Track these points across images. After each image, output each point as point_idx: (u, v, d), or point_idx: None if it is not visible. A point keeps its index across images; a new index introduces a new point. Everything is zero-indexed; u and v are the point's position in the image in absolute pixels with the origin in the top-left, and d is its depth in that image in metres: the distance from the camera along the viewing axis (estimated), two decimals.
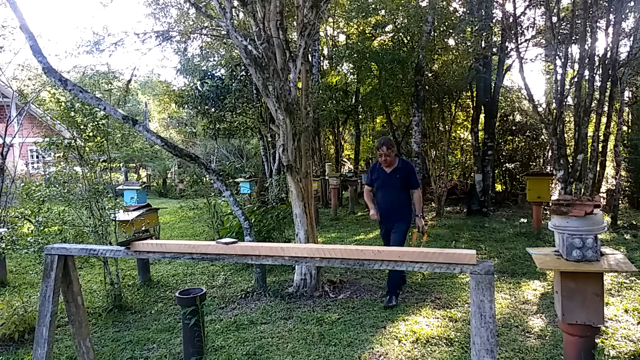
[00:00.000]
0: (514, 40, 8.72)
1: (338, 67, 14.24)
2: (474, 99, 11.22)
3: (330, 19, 14.04)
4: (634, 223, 8.30)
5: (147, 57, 21.16)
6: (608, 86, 7.46)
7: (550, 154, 10.96)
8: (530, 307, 4.24)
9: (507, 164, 13.45)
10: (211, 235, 7.97)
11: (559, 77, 6.49)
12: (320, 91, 10.30)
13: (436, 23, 9.39)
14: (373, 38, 12.77)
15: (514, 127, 13.38)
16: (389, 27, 12.26)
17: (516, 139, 13.28)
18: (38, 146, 4.86)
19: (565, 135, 7.79)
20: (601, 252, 2.41)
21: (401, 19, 11.02)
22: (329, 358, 3.28)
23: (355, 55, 11.47)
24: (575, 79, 6.38)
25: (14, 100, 8.35)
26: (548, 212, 6.93)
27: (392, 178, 4.44)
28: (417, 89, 9.35)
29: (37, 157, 15.56)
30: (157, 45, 9.17)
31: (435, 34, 9.65)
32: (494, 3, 9.66)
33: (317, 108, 9.76)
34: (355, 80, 14.62)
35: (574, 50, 7.51)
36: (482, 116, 11.12)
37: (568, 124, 11.03)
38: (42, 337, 1.94)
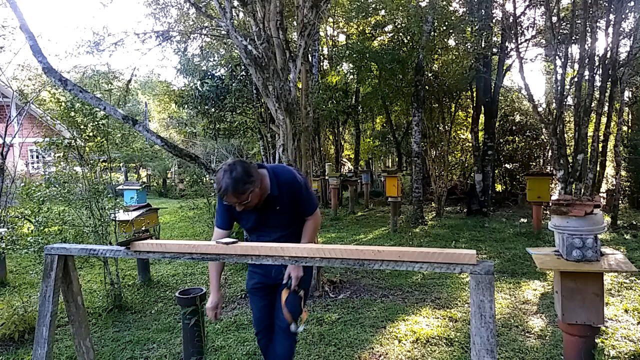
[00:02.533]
0: (514, 40, 8.73)
1: (338, 67, 14.25)
2: (474, 99, 11.23)
3: (330, 19, 14.04)
4: (634, 223, 8.30)
5: (147, 57, 21.21)
6: (608, 86, 7.46)
7: (550, 154, 10.96)
8: (530, 307, 4.24)
9: (507, 164, 13.46)
10: (211, 235, 7.97)
11: (559, 77, 6.49)
12: (320, 91, 10.29)
13: (436, 23, 9.39)
14: (373, 38, 12.78)
15: (514, 127, 13.39)
16: (389, 27, 12.28)
17: (516, 139, 13.29)
18: (38, 146, 4.85)
19: (565, 135, 7.79)
20: (601, 252, 2.41)
21: (401, 19, 11.03)
22: (329, 358, 3.28)
23: (355, 55, 11.48)
24: (575, 79, 6.39)
25: (14, 100, 8.35)
26: (548, 212, 6.93)
27: (269, 214, 2.35)
28: (417, 89, 9.36)
29: (37, 157, 15.56)
30: (157, 45, 9.18)
31: (435, 34, 9.66)
32: (494, 3, 9.66)
33: (317, 108, 9.75)
34: (355, 80, 14.63)
35: (574, 50, 7.53)
36: (482, 116, 11.13)
37: (568, 124, 11.04)
38: (42, 337, 1.94)
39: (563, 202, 2.40)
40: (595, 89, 6.77)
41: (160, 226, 7.16)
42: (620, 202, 9.53)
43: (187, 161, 4.74)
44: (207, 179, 8.44)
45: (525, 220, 9.14)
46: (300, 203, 2.39)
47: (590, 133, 7.16)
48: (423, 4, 10.16)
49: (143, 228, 5.46)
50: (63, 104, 4.59)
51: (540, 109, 7.84)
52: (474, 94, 11.17)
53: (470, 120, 11.71)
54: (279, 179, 2.31)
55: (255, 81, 5.01)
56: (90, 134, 4.72)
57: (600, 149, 8.88)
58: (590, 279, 2.34)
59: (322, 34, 13.95)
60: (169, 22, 9.96)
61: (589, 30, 6.23)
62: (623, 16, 7.25)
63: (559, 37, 7.12)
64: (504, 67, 10.82)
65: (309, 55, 8.72)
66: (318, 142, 13.33)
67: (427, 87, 10.11)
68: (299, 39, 4.67)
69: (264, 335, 2.59)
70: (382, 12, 11.64)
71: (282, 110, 4.50)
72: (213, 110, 9.34)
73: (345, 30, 15.08)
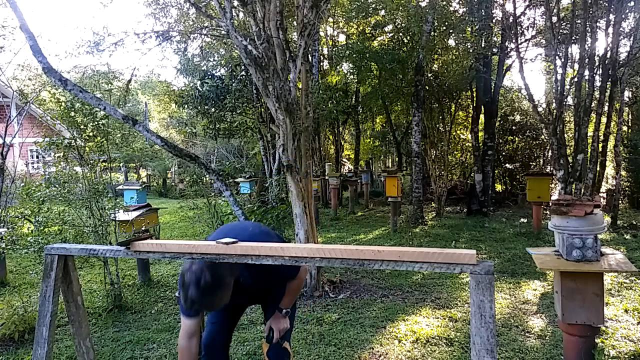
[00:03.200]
0: (514, 40, 8.73)
1: (338, 67, 14.25)
2: (474, 99, 11.23)
3: (330, 19, 14.04)
4: (634, 223, 8.29)
5: (147, 57, 21.19)
6: (608, 86, 7.46)
7: (550, 154, 10.96)
8: (530, 307, 4.23)
9: (507, 164, 13.46)
10: (209, 234, 7.96)
11: (559, 77, 6.49)
12: (320, 91, 10.29)
13: (436, 23, 9.40)
14: (373, 38, 12.78)
15: (514, 127, 13.39)
16: (389, 27, 12.28)
17: (516, 139, 13.29)
18: (38, 146, 4.86)
19: (565, 135, 7.79)
20: (601, 252, 2.41)
21: (401, 19, 11.02)
22: (329, 358, 3.28)
23: (355, 55, 11.48)
24: (575, 79, 6.39)
25: (14, 100, 8.35)
26: (548, 212, 6.93)
27: (246, 299, 2.27)
28: (417, 89, 9.36)
29: (37, 157, 15.56)
30: (157, 45, 9.17)
31: (435, 34, 9.67)
32: (494, 3, 9.66)
33: (317, 108, 9.75)
34: (355, 80, 14.62)
35: (574, 50, 7.52)
36: (482, 116, 11.13)
37: (568, 124, 11.03)
38: (42, 337, 1.94)
39: (563, 202, 2.40)
40: (595, 89, 6.77)
41: (160, 226, 7.15)
42: (620, 202, 9.53)
43: (187, 161, 4.74)
44: (207, 179, 8.44)
45: (525, 220, 9.14)
46: (283, 275, 2.10)
47: (590, 133, 7.16)
48: (423, 4, 10.15)
49: (143, 228, 5.46)
50: (63, 104, 4.59)
51: (540, 109, 7.83)
52: (474, 94, 11.18)
53: (470, 120, 11.71)
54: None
55: (255, 81, 5.01)
56: (90, 134, 4.73)
57: (600, 149, 8.87)
58: (590, 279, 2.34)
59: (322, 34, 13.95)
60: (169, 22, 9.96)
61: (589, 30, 6.22)
62: (623, 16, 7.25)
63: (559, 37, 7.12)
64: (504, 67, 10.82)
65: (309, 55, 8.70)
66: (318, 142, 13.33)
67: (427, 87, 10.11)
68: (299, 39, 4.67)
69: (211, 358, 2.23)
70: (382, 12, 11.63)
71: (282, 110, 4.49)
72: (213, 110, 9.34)
73: (345, 30, 15.07)
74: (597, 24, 7.11)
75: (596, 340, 2.60)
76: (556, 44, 6.52)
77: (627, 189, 11.09)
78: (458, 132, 13.00)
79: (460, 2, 10.83)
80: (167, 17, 9.95)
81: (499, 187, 13.57)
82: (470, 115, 11.72)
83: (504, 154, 13.29)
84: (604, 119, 8.92)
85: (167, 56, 37.66)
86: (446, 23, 9.63)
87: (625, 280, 4.77)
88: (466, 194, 11.63)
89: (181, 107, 10.69)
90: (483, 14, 9.58)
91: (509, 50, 10.40)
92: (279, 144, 4.75)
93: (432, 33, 9.34)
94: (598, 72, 6.79)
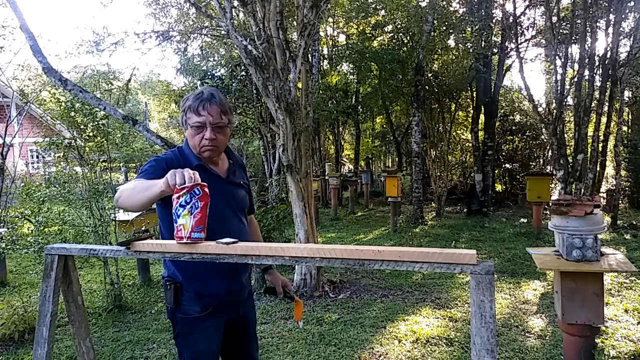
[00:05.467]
0: (514, 40, 8.73)
1: (338, 67, 14.24)
2: (474, 99, 11.24)
3: (330, 19, 14.04)
4: (634, 223, 8.29)
5: (147, 57, 21.19)
6: (608, 86, 7.46)
7: (550, 154, 10.96)
8: (530, 307, 4.24)
9: (507, 164, 13.46)
10: None
11: (559, 77, 6.49)
12: (320, 91, 10.29)
13: (436, 23, 9.40)
14: (373, 38, 12.78)
15: (514, 127, 13.40)
16: (389, 27, 12.28)
17: (516, 139, 13.30)
18: (38, 146, 4.86)
19: (565, 135, 7.79)
20: (601, 252, 2.41)
21: (401, 19, 11.03)
22: (329, 358, 3.28)
23: (355, 55, 11.48)
24: (575, 79, 6.39)
25: (14, 100, 8.35)
26: (548, 212, 6.93)
27: (235, 185, 1.89)
28: (417, 89, 9.36)
29: (37, 157, 15.56)
30: (157, 45, 9.17)
31: (435, 34, 9.66)
32: (494, 3, 9.66)
33: (317, 108, 9.75)
34: (355, 80, 14.63)
35: (574, 50, 7.53)
36: (482, 116, 11.13)
37: (568, 124, 11.03)
38: (42, 337, 1.94)
39: (563, 202, 2.40)
40: (595, 89, 6.77)
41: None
42: (620, 202, 9.53)
43: None
44: None
45: (525, 220, 9.13)
46: (249, 191, 2.01)
47: (590, 133, 7.16)
48: (423, 4, 10.15)
49: (143, 228, 5.46)
50: (63, 104, 4.60)
51: (540, 109, 7.84)
52: (474, 94, 11.18)
53: (470, 120, 11.71)
54: (229, 148, 1.94)
55: (255, 81, 5.01)
56: (90, 134, 4.73)
57: (600, 149, 8.87)
58: (590, 279, 2.34)
59: (322, 34, 13.95)
60: (169, 22, 9.96)
61: (589, 30, 6.23)
62: (623, 16, 7.25)
63: (559, 37, 7.12)
64: (504, 67, 10.82)
65: (309, 55, 8.71)
66: (318, 142, 13.33)
67: (427, 87, 10.10)
68: (299, 39, 4.67)
69: None
70: (382, 12, 11.65)
71: (282, 110, 4.49)
72: None
73: (345, 30, 15.08)
74: (597, 24, 7.11)
75: (596, 340, 2.60)
76: (556, 44, 6.53)
77: (627, 189, 11.09)
78: (458, 132, 13.00)
79: (460, 2, 10.84)
80: (167, 17, 9.97)
81: (499, 187, 13.58)
82: (470, 115, 11.72)
83: (503, 154, 13.29)
84: (604, 119, 8.92)
85: (167, 56, 37.75)
86: (446, 23, 9.63)
87: (625, 280, 4.77)
88: (466, 194, 11.63)
89: None
90: (483, 14, 9.58)
91: (509, 50, 10.40)
92: (279, 144, 4.75)
93: (432, 33, 9.33)
94: (598, 72, 6.79)
